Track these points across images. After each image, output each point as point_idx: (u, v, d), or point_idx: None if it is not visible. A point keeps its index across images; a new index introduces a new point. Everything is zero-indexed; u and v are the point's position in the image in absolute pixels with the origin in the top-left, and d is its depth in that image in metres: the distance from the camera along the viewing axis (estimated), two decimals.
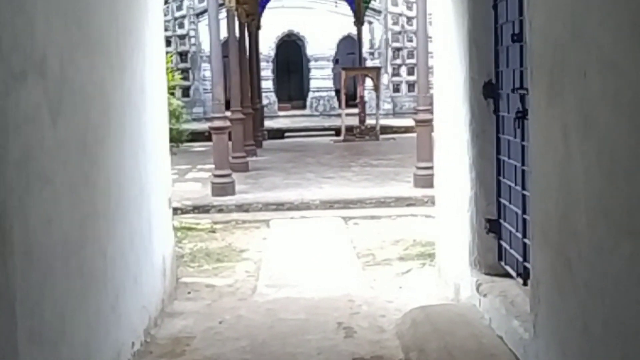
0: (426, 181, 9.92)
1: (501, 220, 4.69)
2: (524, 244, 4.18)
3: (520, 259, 4.27)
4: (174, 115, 8.11)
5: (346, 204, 9.65)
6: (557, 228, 3.10)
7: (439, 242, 6.02)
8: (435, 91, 5.73)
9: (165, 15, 23.57)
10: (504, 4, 4.41)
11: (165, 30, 23.93)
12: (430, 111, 10.30)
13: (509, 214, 4.53)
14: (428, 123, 10.07)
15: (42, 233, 2.90)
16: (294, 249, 7.24)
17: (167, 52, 23.94)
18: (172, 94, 23.25)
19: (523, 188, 4.17)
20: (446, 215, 5.59)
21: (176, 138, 8.35)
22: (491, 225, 4.75)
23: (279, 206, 9.62)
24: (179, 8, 23.69)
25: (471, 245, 4.86)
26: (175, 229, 8.06)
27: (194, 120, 20.75)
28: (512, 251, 4.46)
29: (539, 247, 3.41)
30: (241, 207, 9.60)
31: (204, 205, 9.64)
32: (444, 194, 5.64)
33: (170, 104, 8.11)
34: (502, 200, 4.65)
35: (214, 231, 8.28)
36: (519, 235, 4.28)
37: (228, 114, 12.38)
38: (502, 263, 4.68)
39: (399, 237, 7.68)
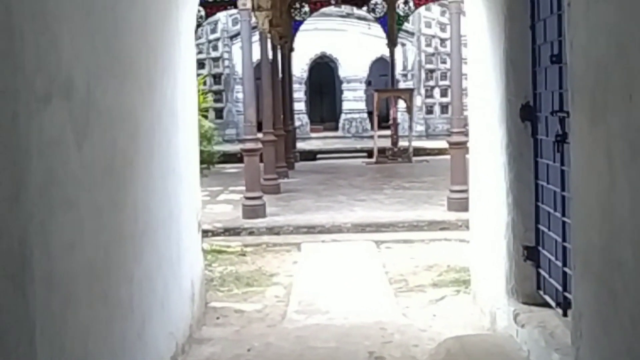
0: (460, 205, 9.74)
1: (540, 248, 4.52)
2: (564, 273, 4.01)
3: (560, 288, 4.09)
4: (205, 137, 8.08)
5: (378, 227, 9.50)
6: (600, 258, 2.94)
7: (474, 269, 5.85)
8: (470, 113, 5.60)
9: (200, 37, 23.78)
10: (542, 24, 4.28)
11: (199, 52, 24.31)
12: (465, 133, 10.15)
13: (548, 241, 4.36)
14: (462, 145, 9.91)
15: (65, 259, 2.82)
16: (324, 274, 7.11)
17: (200, 74, 24.21)
18: (205, 116, 23.48)
19: (563, 215, 4.00)
20: (481, 240, 5.43)
21: (207, 160, 8.28)
22: (529, 253, 4.59)
23: (310, 229, 9.51)
24: (213, 31, 23.89)
25: (508, 273, 4.69)
26: (206, 251, 8.00)
27: (227, 141, 20.81)
28: (551, 280, 4.28)
29: (581, 277, 3.24)
30: (272, 230, 9.51)
31: (235, 228, 9.57)
32: (479, 218, 5.48)
33: (202, 126, 8.10)
34: (541, 227, 4.48)
35: (244, 254, 8.19)
36: (559, 263, 4.10)
37: (260, 135, 12.41)
38: (541, 292, 4.50)
39: (433, 262, 7.50)
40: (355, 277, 6.92)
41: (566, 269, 3.96)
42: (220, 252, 8.25)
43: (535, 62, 4.45)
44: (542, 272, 4.46)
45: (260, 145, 10.19)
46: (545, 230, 4.39)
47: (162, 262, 4.35)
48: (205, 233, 9.42)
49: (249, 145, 10.03)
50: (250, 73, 10.07)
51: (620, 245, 2.65)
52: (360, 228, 9.49)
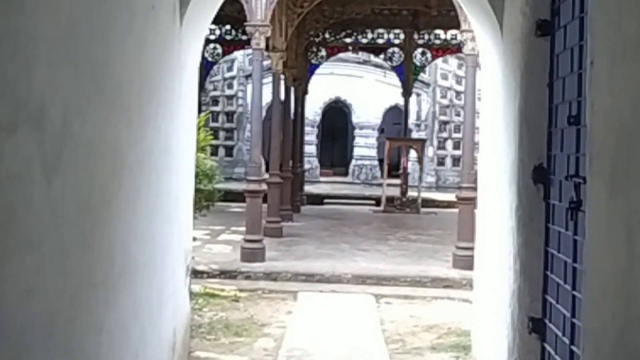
0: (466, 262, 9.40)
1: (546, 320, 4.19)
2: (572, 352, 3.68)
3: None
4: (207, 175, 7.81)
5: (379, 280, 9.17)
6: (614, 343, 2.63)
7: (475, 335, 5.51)
8: (480, 169, 5.33)
9: (215, 75, 23.80)
10: (560, 82, 4.03)
11: (214, 89, 24.31)
12: (474, 189, 9.87)
13: (556, 315, 4.03)
14: (471, 201, 9.61)
15: (20, 305, 2.54)
16: (318, 328, 6.77)
17: (213, 112, 24.23)
18: (213, 153, 23.36)
19: (573, 288, 3.69)
20: (485, 305, 5.10)
21: (208, 199, 8.03)
22: (534, 325, 4.25)
23: (309, 277, 9.19)
24: (230, 69, 23.91)
25: (511, 345, 4.36)
26: (197, 295, 7.70)
27: (235, 180, 20.62)
28: (557, 357, 3.95)
29: None
30: (269, 276, 9.20)
31: (231, 271, 9.27)
32: (484, 281, 5.16)
33: (204, 164, 7.86)
34: (549, 298, 4.16)
35: (237, 300, 7.87)
36: (566, 340, 3.77)
37: (266, 176, 12.18)
38: None
39: (433, 322, 7.16)
40: (350, 334, 6.58)
41: (574, 348, 3.64)
42: (213, 295, 7.93)
43: (552, 122, 4.19)
44: (548, 347, 4.13)
45: (263, 187, 9.94)
46: (553, 302, 4.06)
47: (139, 309, 4.05)
48: (200, 274, 9.15)
49: (252, 187, 9.78)
50: (258, 113, 9.88)
51: (638, 334, 2.35)
52: (361, 280, 9.16)
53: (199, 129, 6.59)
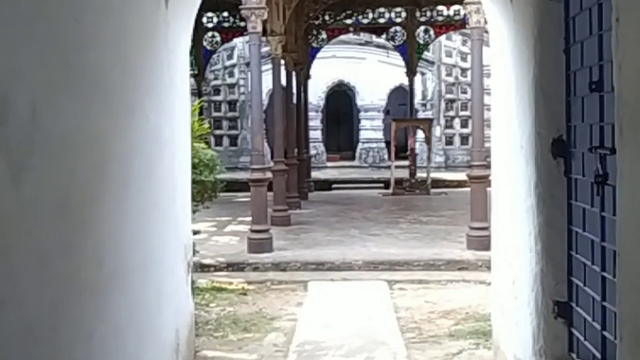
0: (480, 243, 9.11)
1: (573, 304, 3.89)
2: (604, 338, 3.38)
3: (599, 355, 3.46)
4: (207, 166, 7.53)
5: (391, 265, 8.88)
6: None
7: (495, 320, 5.22)
8: (494, 147, 5.02)
9: (216, 63, 23.47)
10: (578, 47, 3.71)
11: (215, 78, 23.97)
12: (486, 167, 9.56)
13: (583, 298, 3.74)
14: (483, 180, 9.30)
15: None
16: (330, 319, 6.49)
17: (215, 101, 23.92)
18: (218, 143, 23.10)
19: (603, 269, 3.39)
20: (505, 289, 4.81)
21: (210, 190, 7.75)
22: (560, 309, 3.96)
23: (319, 266, 8.91)
24: (230, 57, 23.57)
25: (536, 330, 4.07)
26: (204, 289, 7.45)
27: (241, 169, 20.35)
28: (586, 343, 3.66)
29: (629, 351, 2.63)
30: (278, 266, 8.93)
31: (239, 263, 9.00)
32: (503, 264, 4.86)
33: (203, 154, 7.57)
34: (575, 280, 3.86)
35: (245, 293, 7.61)
36: (597, 325, 3.48)
37: (271, 164, 11.90)
38: (574, 355, 3.87)
39: (450, 307, 6.88)
40: (364, 324, 6.30)
41: (606, 334, 3.35)
42: (220, 290, 7.67)
43: (569, 91, 3.87)
44: (576, 333, 3.84)
45: (268, 176, 9.65)
46: (580, 284, 3.77)
47: (135, 312, 3.78)
48: (207, 268, 8.90)
49: (256, 175, 9.49)
50: (258, 100, 9.58)
51: None
52: (373, 266, 8.88)
53: (193, 117, 6.31)
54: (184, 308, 4.84)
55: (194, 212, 7.93)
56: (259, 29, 9.34)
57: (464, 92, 23.74)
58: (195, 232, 7.71)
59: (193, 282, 7.67)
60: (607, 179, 3.31)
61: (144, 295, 3.94)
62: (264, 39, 13.26)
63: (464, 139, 23.76)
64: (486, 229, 9.24)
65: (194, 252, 7.76)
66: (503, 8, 4.55)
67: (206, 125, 7.55)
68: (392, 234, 10.87)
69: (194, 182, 7.49)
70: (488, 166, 9.95)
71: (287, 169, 12.38)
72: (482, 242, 9.13)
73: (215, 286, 7.82)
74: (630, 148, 2.56)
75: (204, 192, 7.67)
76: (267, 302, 7.21)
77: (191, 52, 19.18)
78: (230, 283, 8.15)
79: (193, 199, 7.88)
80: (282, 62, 13.16)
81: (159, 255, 4.22)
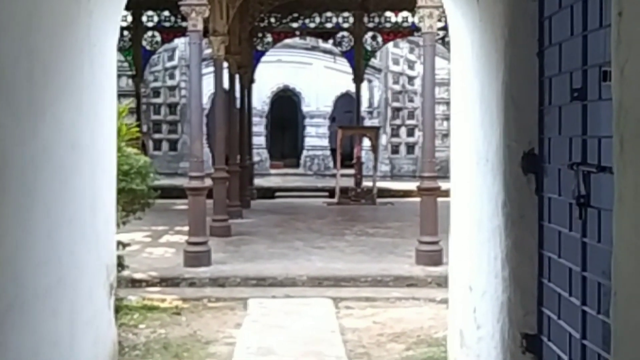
0: (430, 258, 8.75)
1: (543, 337, 3.48)
2: None
3: None
4: (140, 174, 6.92)
5: (337, 281, 8.41)
6: None
7: (452, 349, 4.79)
8: (454, 159, 4.60)
9: (156, 65, 22.69)
10: (555, 50, 3.30)
11: (155, 80, 23.17)
12: (435, 178, 9.20)
13: (556, 331, 3.32)
14: (433, 192, 8.94)
15: None
16: (272, 343, 5.97)
17: (154, 104, 23.11)
18: (156, 147, 22.25)
19: (583, 302, 2.98)
20: (465, 318, 4.38)
21: (142, 200, 7.14)
22: (529, 343, 3.54)
23: (260, 281, 8.38)
24: (171, 58, 22.83)
25: None
26: (133, 308, 6.85)
27: (180, 175, 19.60)
28: None
29: None
30: (216, 281, 8.35)
31: (173, 278, 8.39)
32: (462, 289, 4.43)
33: (136, 161, 6.96)
34: (546, 311, 3.45)
35: (179, 313, 7.02)
36: None
37: (211, 171, 11.34)
38: None
39: (400, 329, 6.44)
40: (308, 349, 5.79)
41: None
42: (151, 308, 7.07)
43: (543, 99, 3.47)
44: None
45: (206, 184, 9.06)
46: (553, 316, 3.35)
47: (41, 346, 3.20)
48: (138, 283, 8.26)
49: (194, 184, 8.90)
50: (198, 102, 9.00)
51: None
52: (317, 282, 8.39)
53: (119, 119, 5.73)
54: (104, 337, 4.25)
55: (124, 223, 7.33)
56: (200, 27, 8.77)
57: (411, 101, 23.57)
58: (125, 245, 7.08)
59: (121, 300, 7.06)
60: (590, 201, 2.91)
61: (53, 327, 3.36)
62: (206, 40, 12.73)
63: (410, 147, 23.57)
64: (436, 243, 8.88)
65: (123, 266, 7.15)
66: (467, 7, 4.14)
67: (136, 129, 6.92)
68: (338, 247, 10.42)
69: (124, 190, 6.89)
70: (438, 177, 9.63)
71: (229, 176, 11.81)
72: (432, 257, 8.77)
73: (147, 304, 7.22)
74: (634, 167, 2.14)
75: (136, 201, 7.06)
76: (203, 323, 6.64)
77: (129, 52, 18.63)
78: (164, 300, 7.55)
79: (123, 209, 7.29)
80: (225, 64, 12.60)
81: (73, 278, 3.64)
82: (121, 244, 7.13)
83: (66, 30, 3.54)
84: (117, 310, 6.47)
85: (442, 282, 8.41)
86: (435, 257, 8.74)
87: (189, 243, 8.88)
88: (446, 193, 9.40)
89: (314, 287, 8.32)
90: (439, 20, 8.94)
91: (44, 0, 3.20)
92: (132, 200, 7.03)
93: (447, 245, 9.05)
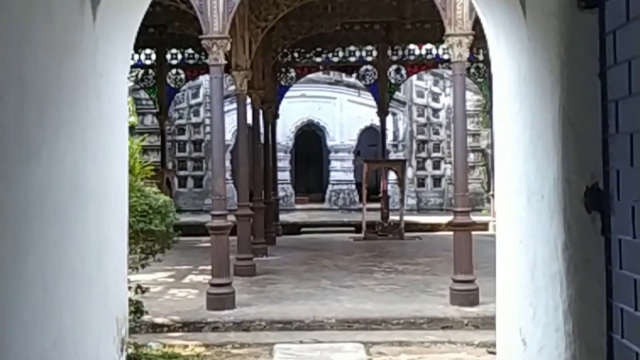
0: (466, 298, 8.24)
1: None
2: None
3: None
4: (160, 213, 6.55)
5: (368, 324, 7.93)
6: None
7: None
8: (500, 195, 4.15)
9: (180, 102, 22.58)
10: (621, 69, 2.86)
11: (180, 117, 23.03)
12: (468, 213, 8.72)
13: None
14: (467, 227, 8.45)
15: None
16: None
17: (179, 141, 22.92)
18: (182, 185, 22.00)
19: None
20: None
21: (161, 241, 6.76)
22: None
23: (287, 325, 7.92)
24: (195, 95, 22.70)
25: None
26: (153, 357, 6.42)
27: (205, 212, 19.30)
28: None
29: None
30: (240, 325, 7.91)
31: (196, 322, 7.96)
32: (514, 342, 3.94)
33: (155, 200, 6.60)
34: None
35: None
36: None
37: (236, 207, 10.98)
38: None
39: None
40: None
41: None
42: (172, 357, 6.64)
43: (607, 126, 3.03)
44: None
45: (229, 223, 8.66)
46: None
47: None
48: (160, 328, 7.85)
49: (217, 223, 8.50)
50: (220, 138, 8.65)
51: None
52: (347, 325, 7.92)
53: (132, 156, 5.39)
54: None
55: (142, 266, 6.95)
56: (222, 60, 8.47)
57: (436, 133, 23.14)
58: (144, 290, 6.68)
59: (141, 347, 6.65)
60: None
61: None
62: (230, 77, 12.46)
63: (437, 180, 23.08)
64: (472, 282, 8.38)
65: (142, 312, 6.75)
66: (512, 27, 3.72)
67: (151, 166, 6.55)
68: (367, 286, 9.93)
69: (142, 232, 6.52)
70: (469, 212, 9.13)
71: (253, 213, 11.42)
72: (468, 297, 8.26)
73: (167, 352, 6.79)
74: None
75: (155, 243, 6.68)
76: None
77: (154, 90, 18.50)
78: (186, 347, 7.13)
79: (142, 251, 6.91)
80: (249, 100, 12.31)
81: (76, 337, 3.23)
82: (139, 288, 6.75)
83: (67, 58, 3.19)
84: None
85: (479, 323, 7.90)
86: (471, 297, 8.23)
87: (212, 285, 8.47)
88: (475, 226, 8.97)
89: (344, 330, 7.85)
90: (469, 49, 8.54)
91: (39, 22, 2.85)
92: (151, 242, 6.66)
93: (482, 283, 8.61)
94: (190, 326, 7.89)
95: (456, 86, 8.44)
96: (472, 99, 20.31)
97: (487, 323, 7.83)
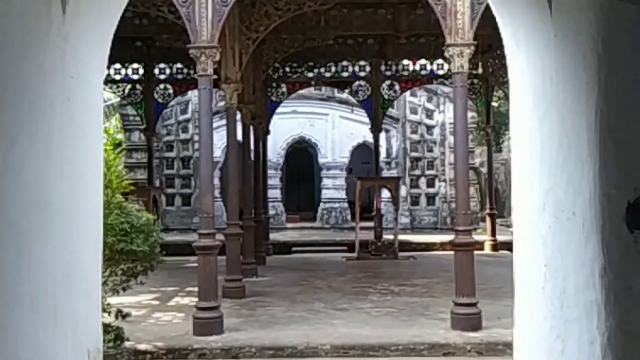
0: (468, 323, 7.80)
1: None
2: None
3: None
4: (142, 232, 6.10)
5: (365, 350, 7.47)
6: None
7: None
8: (517, 212, 3.73)
9: (169, 118, 22.15)
10: None
11: (168, 134, 22.56)
12: (470, 232, 8.30)
13: None
14: (469, 247, 8.03)
15: None
16: None
17: (167, 158, 22.46)
18: (169, 203, 21.46)
19: None
20: None
21: (144, 263, 6.30)
22: None
23: (278, 351, 7.45)
24: (184, 112, 22.29)
25: None
26: None
27: (193, 230, 18.78)
28: None
29: None
30: (229, 352, 7.44)
31: (181, 349, 7.47)
32: None
33: (137, 218, 6.15)
34: None
35: None
36: None
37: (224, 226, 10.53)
38: None
39: None
40: None
41: None
42: None
43: None
44: None
45: (217, 243, 8.21)
46: None
47: None
48: (143, 355, 7.36)
49: (204, 242, 8.05)
50: (208, 154, 8.22)
51: None
52: (343, 351, 7.46)
53: (110, 169, 4.95)
54: None
55: (124, 289, 6.49)
56: (210, 71, 8.05)
57: (430, 150, 22.80)
58: (125, 315, 6.22)
59: None
60: None
61: None
62: (221, 93, 12.06)
63: (431, 199, 22.69)
64: (474, 305, 7.95)
65: (122, 339, 6.28)
66: (534, 23, 3.33)
67: (128, 180, 6.08)
68: (362, 309, 9.47)
69: (123, 252, 6.07)
70: (470, 231, 8.70)
71: (243, 232, 10.96)
72: (470, 321, 7.83)
73: None
74: None
75: (137, 264, 6.22)
76: None
77: (141, 105, 18.05)
78: None
79: (124, 273, 6.46)
80: (239, 115, 11.90)
81: None
82: (120, 313, 6.29)
83: (29, 52, 2.76)
84: None
85: (482, 350, 7.47)
86: (473, 321, 7.79)
87: (199, 308, 7.99)
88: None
89: (339, 357, 7.40)
90: (470, 60, 8.17)
91: None
92: (132, 263, 6.20)
93: (483, 306, 8.18)
94: (175, 353, 7.40)
95: (457, 99, 8.06)
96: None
97: (491, 349, 7.41)
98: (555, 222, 3.12)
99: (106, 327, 6.04)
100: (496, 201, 19.43)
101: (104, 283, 6.19)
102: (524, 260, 3.63)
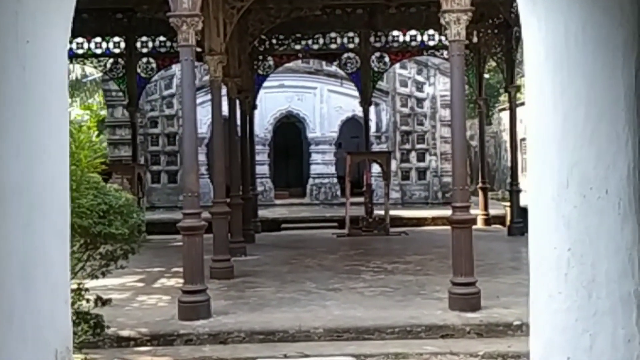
0: (467, 303, 7.48)
1: None
2: None
3: None
4: (120, 214, 5.70)
5: (359, 333, 7.14)
6: None
7: None
8: (534, 191, 3.35)
9: (153, 93, 21.61)
10: None
11: (152, 110, 22.02)
12: (468, 208, 7.95)
13: None
14: (467, 224, 7.68)
15: None
16: None
17: (152, 134, 21.95)
18: (155, 180, 20.97)
19: None
20: None
21: (124, 246, 5.90)
22: None
23: (269, 336, 7.11)
24: (168, 86, 21.73)
25: None
26: None
27: (180, 208, 18.35)
28: None
29: None
30: (217, 337, 7.09)
31: (167, 335, 7.11)
32: None
33: (115, 198, 5.75)
34: None
35: None
36: None
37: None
38: None
39: None
40: None
41: None
42: None
43: None
44: None
45: (202, 223, 7.82)
46: None
47: None
48: (126, 342, 7.00)
49: (189, 222, 7.67)
50: (192, 128, 7.80)
51: None
52: (336, 335, 7.12)
53: (82, 145, 4.51)
54: None
55: (103, 274, 6.11)
56: (192, 41, 7.60)
57: (420, 124, 22.40)
58: (105, 302, 5.84)
59: None
60: None
61: None
62: (205, 66, 11.58)
63: (421, 173, 22.35)
64: (473, 284, 7.62)
65: (103, 327, 5.91)
66: None
67: (100, 159, 5.64)
68: (355, 289, 9.14)
69: (100, 236, 5.68)
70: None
71: (230, 210, 10.58)
72: (469, 302, 7.51)
73: None
74: None
75: (117, 248, 5.84)
76: None
77: (123, 80, 17.50)
78: None
79: (102, 258, 6.07)
80: (224, 89, 11.45)
81: None
82: (99, 300, 5.91)
83: None
84: None
85: (482, 331, 7.16)
86: (472, 301, 7.48)
87: (185, 292, 7.62)
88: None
89: (333, 340, 7.06)
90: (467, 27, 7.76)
91: None
92: (111, 247, 5.81)
93: (480, 284, 7.86)
94: (160, 339, 7.05)
95: (454, 68, 7.65)
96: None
97: (492, 331, 7.11)
98: (583, 202, 2.75)
99: (85, 315, 5.67)
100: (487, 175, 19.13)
101: (82, 268, 5.82)
102: (541, 243, 3.25)
